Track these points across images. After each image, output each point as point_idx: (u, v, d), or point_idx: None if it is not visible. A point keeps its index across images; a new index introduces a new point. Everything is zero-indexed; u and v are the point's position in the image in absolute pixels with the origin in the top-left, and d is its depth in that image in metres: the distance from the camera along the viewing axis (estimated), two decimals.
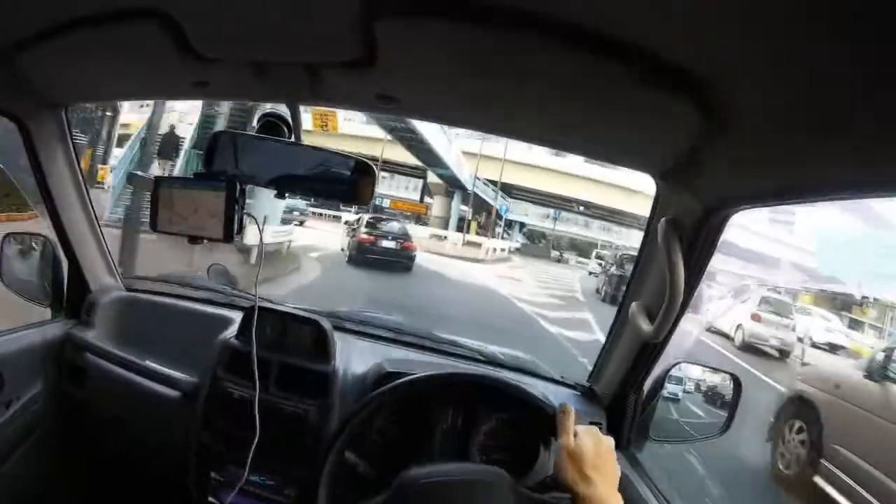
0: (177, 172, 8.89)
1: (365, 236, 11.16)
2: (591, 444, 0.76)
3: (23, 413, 1.19)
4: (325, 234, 13.96)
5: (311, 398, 1.10)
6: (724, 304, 9.62)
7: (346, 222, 13.45)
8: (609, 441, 0.78)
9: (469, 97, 0.86)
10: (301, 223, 15.24)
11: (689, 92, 0.62)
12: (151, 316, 1.34)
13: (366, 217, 11.98)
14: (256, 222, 1.09)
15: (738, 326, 8.54)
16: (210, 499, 1.11)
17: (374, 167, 0.92)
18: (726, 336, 8.66)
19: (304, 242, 11.47)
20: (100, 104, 9.92)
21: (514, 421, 1.00)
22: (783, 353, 8.28)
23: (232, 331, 1.18)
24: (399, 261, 11.04)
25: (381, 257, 10.79)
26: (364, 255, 10.82)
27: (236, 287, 1.55)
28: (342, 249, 11.86)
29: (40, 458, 1.27)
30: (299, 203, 16.00)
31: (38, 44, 0.83)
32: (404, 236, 11.66)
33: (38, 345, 1.24)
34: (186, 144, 10.05)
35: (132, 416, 1.25)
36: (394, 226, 12.30)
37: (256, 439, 1.03)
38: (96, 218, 1.32)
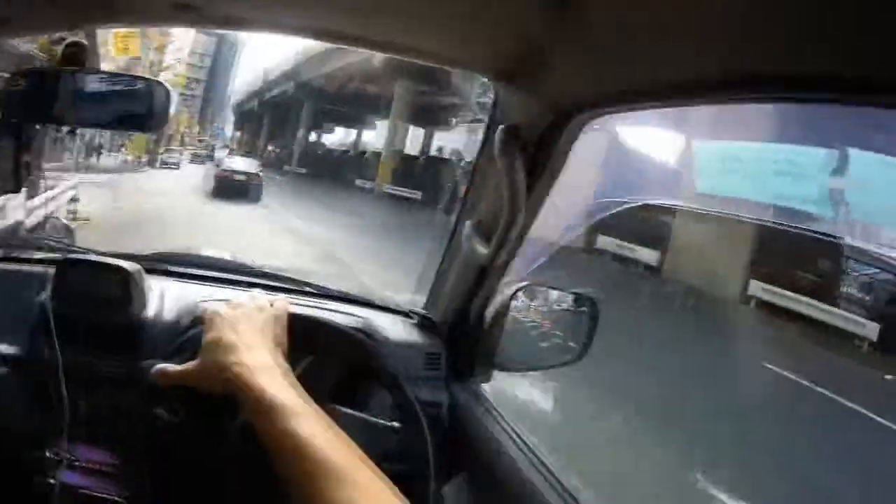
0: None
1: (220, 171, 14.53)
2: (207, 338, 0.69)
3: None
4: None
5: (122, 355, 0.98)
6: None
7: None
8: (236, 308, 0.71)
9: None
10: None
11: None
12: None
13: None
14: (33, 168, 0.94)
15: None
16: (49, 480, 0.98)
17: (169, 88, 0.86)
18: None
19: None
20: None
21: (336, 358, 0.92)
22: None
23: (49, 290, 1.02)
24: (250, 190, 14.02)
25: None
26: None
27: (73, 242, 1.37)
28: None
29: None
30: None
31: None
32: (252, 173, 14.70)
33: None
34: None
35: None
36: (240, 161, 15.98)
37: (67, 410, 0.92)
38: None
